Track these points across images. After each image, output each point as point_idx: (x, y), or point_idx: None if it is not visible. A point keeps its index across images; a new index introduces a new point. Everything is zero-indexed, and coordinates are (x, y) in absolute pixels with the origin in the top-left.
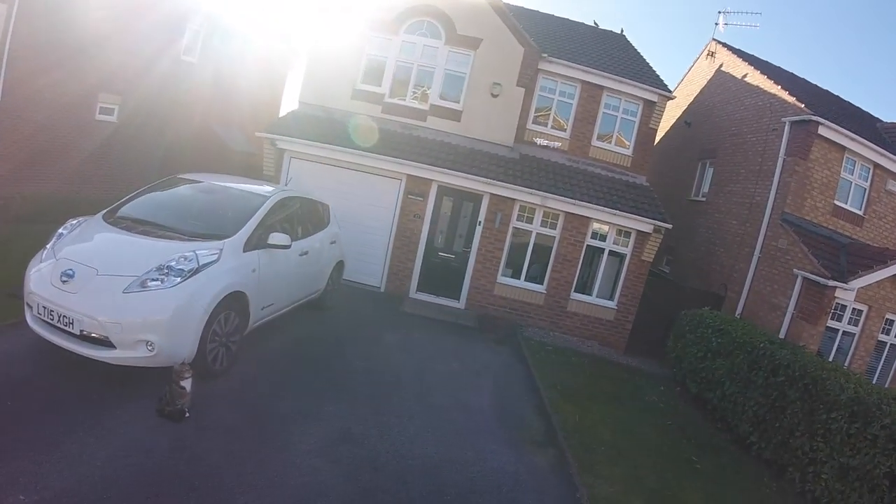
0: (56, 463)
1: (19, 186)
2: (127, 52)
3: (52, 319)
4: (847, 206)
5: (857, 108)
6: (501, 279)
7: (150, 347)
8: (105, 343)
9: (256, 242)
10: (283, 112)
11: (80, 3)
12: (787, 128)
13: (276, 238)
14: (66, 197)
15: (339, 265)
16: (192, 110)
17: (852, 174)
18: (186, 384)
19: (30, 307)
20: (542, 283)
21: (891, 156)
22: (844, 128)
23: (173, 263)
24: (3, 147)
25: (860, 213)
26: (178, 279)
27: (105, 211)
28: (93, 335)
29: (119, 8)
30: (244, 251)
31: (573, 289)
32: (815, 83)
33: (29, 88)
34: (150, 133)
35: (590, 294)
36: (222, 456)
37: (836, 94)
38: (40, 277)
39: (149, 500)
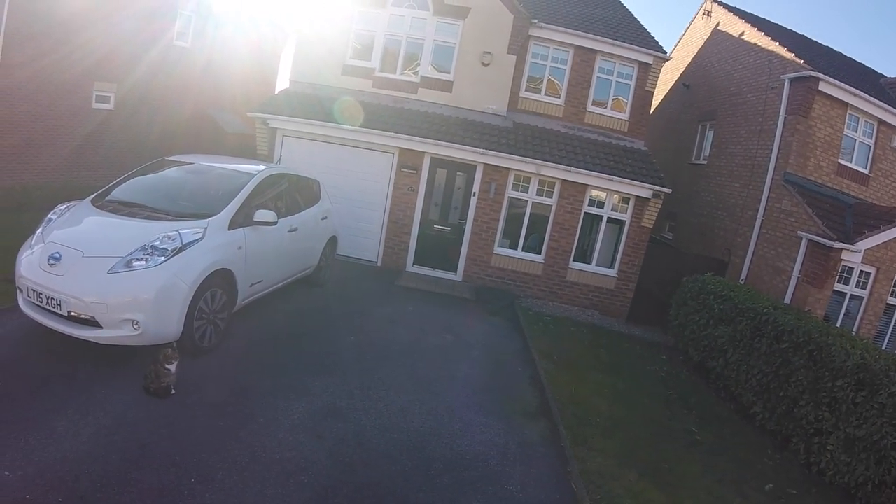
0: (42, 440)
1: (20, 175)
2: (120, 39)
3: (41, 302)
4: (851, 165)
5: (860, 63)
6: (498, 250)
7: (135, 326)
8: (92, 323)
9: (242, 220)
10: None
11: None
12: (786, 85)
13: (262, 215)
14: (65, 184)
15: (333, 240)
16: (186, 94)
17: (856, 131)
18: (172, 367)
19: (21, 291)
20: (539, 253)
21: (895, 111)
22: (846, 83)
23: (157, 243)
24: (3, 139)
25: (865, 171)
26: (162, 258)
27: (94, 195)
28: (80, 316)
29: None
30: (230, 229)
31: (572, 258)
32: (815, 39)
33: (25, 78)
34: (145, 118)
35: (589, 263)
36: (205, 432)
37: (837, 50)
38: (30, 262)
39: (130, 474)
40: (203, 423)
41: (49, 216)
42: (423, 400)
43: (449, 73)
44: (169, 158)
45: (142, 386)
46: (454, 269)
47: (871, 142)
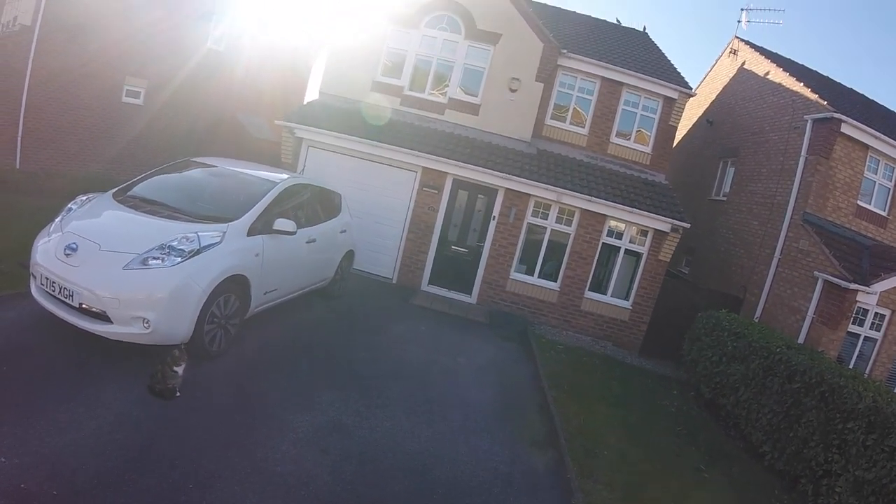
0: (43, 430)
1: (44, 161)
2: (154, 37)
3: (54, 291)
4: (870, 207)
5: (883, 106)
6: (514, 275)
7: (146, 325)
8: (102, 317)
9: (262, 227)
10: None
11: None
12: (809, 126)
13: (282, 224)
14: (88, 174)
15: (350, 254)
16: (217, 97)
17: (876, 174)
18: (179, 369)
19: (34, 278)
20: (555, 281)
21: None
22: (868, 125)
23: (175, 243)
24: (31, 124)
25: (884, 213)
26: (179, 259)
27: (116, 189)
28: (91, 309)
29: None
30: (248, 235)
31: (587, 287)
32: (838, 81)
33: (57, 68)
34: (176, 118)
35: (604, 293)
36: (208, 437)
37: (860, 92)
38: (46, 250)
39: (127, 473)
40: (206, 428)
41: (69, 206)
42: (430, 422)
43: (476, 96)
44: (193, 159)
45: (147, 386)
46: (469, 292)
47: (891, 185)
